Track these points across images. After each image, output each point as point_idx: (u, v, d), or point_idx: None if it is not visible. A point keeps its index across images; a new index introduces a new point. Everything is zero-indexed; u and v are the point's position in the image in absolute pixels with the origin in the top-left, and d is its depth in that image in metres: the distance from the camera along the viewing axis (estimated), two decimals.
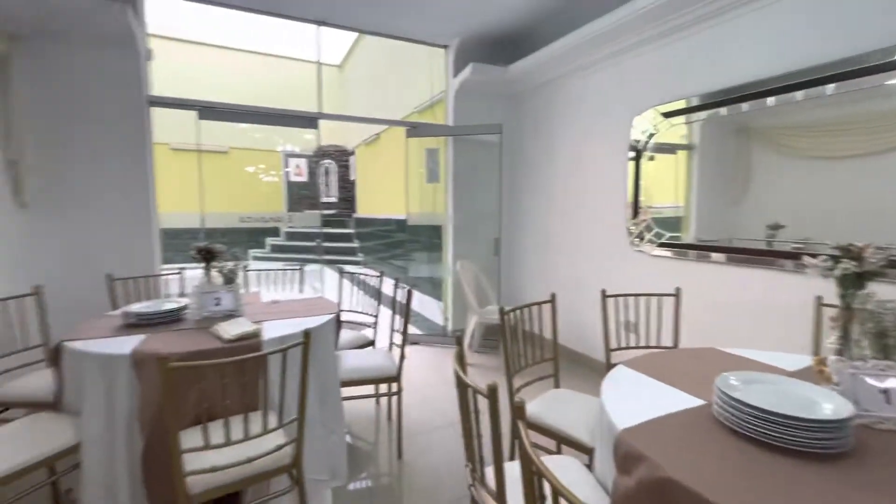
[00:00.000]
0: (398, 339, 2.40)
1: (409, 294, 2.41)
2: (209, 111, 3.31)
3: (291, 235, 11.76)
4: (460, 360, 1.28)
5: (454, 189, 4.17)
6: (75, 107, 2.78)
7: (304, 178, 12.15)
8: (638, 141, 3.02)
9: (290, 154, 11.93)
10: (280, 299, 2.54)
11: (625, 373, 1.43)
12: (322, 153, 11.94)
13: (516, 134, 4.18)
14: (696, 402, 1.20)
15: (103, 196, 2.90)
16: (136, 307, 2.05)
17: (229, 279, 2.20)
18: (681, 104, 2.75)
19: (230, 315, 2.12)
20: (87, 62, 2.78)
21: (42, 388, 1.93)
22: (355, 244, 11.27)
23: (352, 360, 2.35)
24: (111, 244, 2.92)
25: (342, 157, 12.62)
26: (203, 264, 2.19)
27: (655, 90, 2.87)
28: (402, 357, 2.33)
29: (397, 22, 3.70)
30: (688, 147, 2.79)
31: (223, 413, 1.41)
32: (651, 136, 2.94)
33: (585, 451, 1.57)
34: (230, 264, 2.23)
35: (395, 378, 2.29)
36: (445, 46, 4.17)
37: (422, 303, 5.15)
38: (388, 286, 2.86)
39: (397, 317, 2.55)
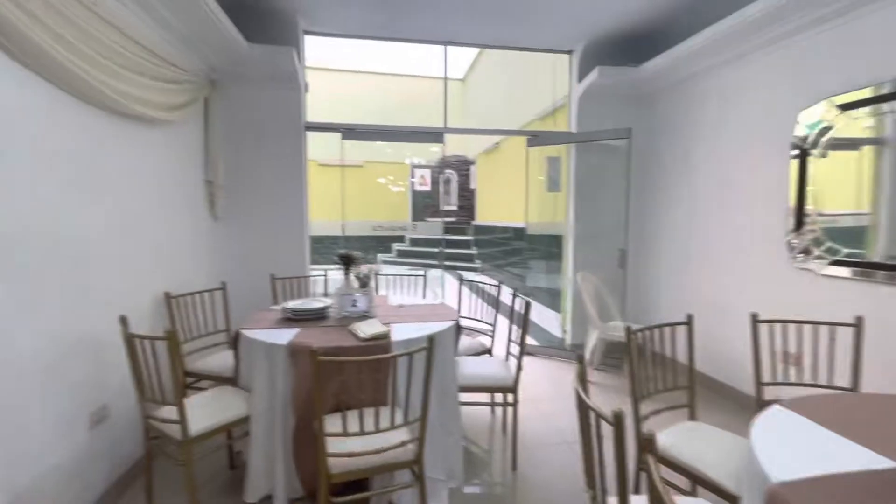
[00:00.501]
0: (515, 349, 2.40)
1: (528, 306, 2.39)
2: (351, 132, 3.74)
3: (415, 241, 12.54)
4: (582, 380, 1.24)
5: (576, 197, 4.02)
6: (251, 135, 3.39)
7: (427, 188, 12.87)
8: (804, 138, 2.56)
9: (416, 165, 12.76)
10: (405, 303, 2.73)
11: (783, 414, 1.23)
12: (444, 164, 12.52)
13: (647, 138, 3.87)
14: (885, 462, 0.98)
15: (269, 208, 3.46)
16: (292, 304, 2.41)
17: (364, 283, 2.45)
18: (865, 93, 2.26)
19: (364, 316, 2.36)
20: (260, 97, 3.36)
21: (225, 365, 2.38)
22: (473, 251, 11.53)
23: (469, 367, 2.42)
24: (273, 248, 3.47)
25: (463, 166, 13.05)
26: (343, 269, 2.48)
27: (832, 77, 2.41)
28: (519, 368, 2.33)
29: (521, 33, 3.73)
30: (878, 142, 2.28)
31: (357, 404, 1.58)
32: (825, 130, 2.47)
33: (726, 497, 1.39)
34: (365, 269, 2.48)
35: (511, 389, 2.29)
36: (569, 52, 4.07)
37: (539, 313, 5.06)
38: (506, 295, 2.89)
39: (514, 326, 2.55)
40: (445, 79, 4.00)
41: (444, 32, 3.70)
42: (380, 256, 12.44)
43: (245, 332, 2.04)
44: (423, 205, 12.80)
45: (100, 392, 1.92)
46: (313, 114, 3.72)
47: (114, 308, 1.97)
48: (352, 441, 1.54)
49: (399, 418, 1.62)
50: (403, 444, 1.59)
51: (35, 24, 1.44)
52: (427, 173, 12.84)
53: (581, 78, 3.89)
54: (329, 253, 2.46)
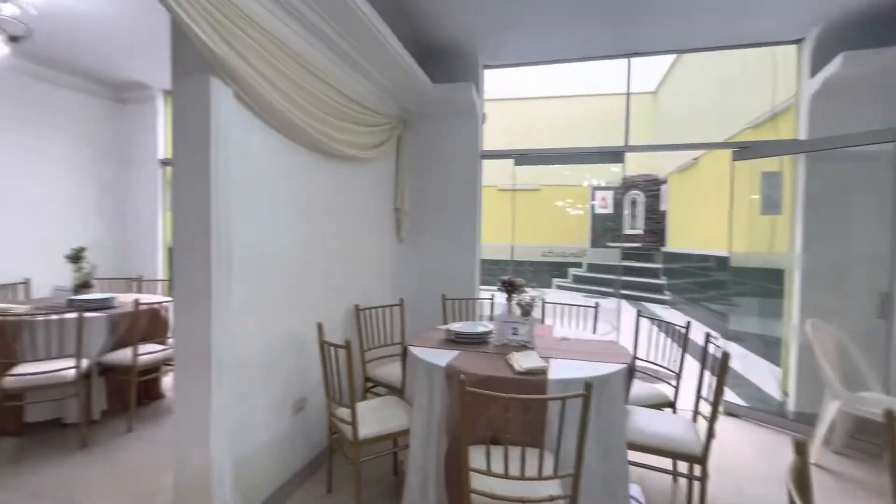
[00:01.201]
0: (706, 408, 1.95)
1: (726, 357, 1.93)
2: (523, 157, 3.75)
3: (594, 267, 11.81)
4: (800, 474, 0.90)
5: (805, 221, 3.14)
6: (433, 165, 3.71)
7: (608, 210, 12.04)
8: None
9: (597, 187, 12.11)
10: (570, 336, 2.53)
11: None
12: (629, 184, 11.53)
13: None
14: None
15: (445, 231, 3.71)
16: (455, 326, 2.48)
17: (526, 311, 2.37)
18: None
19: (524, 346, 2.27)
20: (442, 131, 3.66)
21: (397, 375, 2.60)
22: (662, 281, 10.22)
23: (643, 421, 2.07)
24: (447, 269, 3.69)
25: (652, 186, 11.80)
26: (506, 295, 2.45)
27: None
28: (711, 434, 1.88)
29: (727, 30, 3.17)
30: None
31: (508, 441, 1.49)
32: None
33: None
34: (528, 297, 2.40)
35: (699, 459, 1.86)
36: (798, 41, 3.26)
37: (747, 363, 4.09)
38: (698, 335, 2.40)
39: (709, 376, 2.09)
40: (628, 93, 3.68)
41: (626, 44, 3.42)
42: (555, 281, 12.11)
43: (411, 348, 2.18)
44: (604, 228, 11.99)
45: (301, 385, 2.31)
46: (490, 141, 3.87)
47: (314, 316, 2.35)
48: (496, 482, 1.46)
49: (549, 467, 1.47)
50: (552, 499, 1.42)
51: (274, 91, 1.87)
52: (609, 195, 12.04)
53: (815, 72, 3.07)
54: (497, 279, 2.52)
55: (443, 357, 2.04)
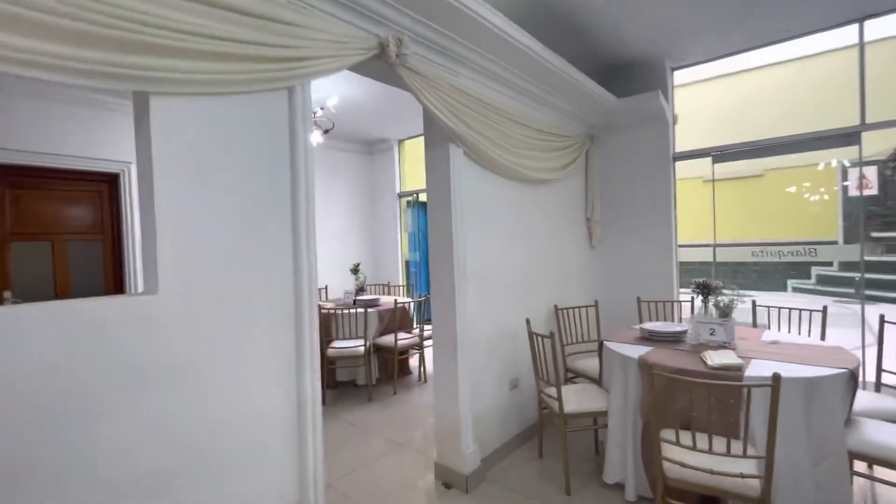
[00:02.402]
0: None
1: None
2: (722, 155, 3.58)
3: (847, 266, 9.40)
4: None
5: None
6: (622, 173, 3.88)
7: (873, 191, 9.36)
8: None
9: (852, 164, 9.57)
10: (781, 340, 2.43)
11: None
12: None
13: None
14: None
15: (638, 236, 3.84)
16: (650, 325, 2.69)
17: (724, 313, 2.42)
18: None
19: (722, 346, 2.34)
20: (630, 139, 3.82)
21: (593, 368, 2.95)
22: None
23: (879, 433, 1.91)
24: (641, 272, 3.80)
25: None
26: (702, 297, 2.53)
27: None
28: None
29: None
30: None
31: (705, 428, 1.71)
32: None
33: None
34: (727, 298, 2.44)
35: None
36: None
37: None
38: None
39: None
40: (861, 60, 3.10)
41: (855, 4, 2.94)
42: (791, 283, 10.06)
43: (607, 343, 2.52)
44: (869, 214, 9.38)
45: (515, 368, 2.90)
46: (690, 135, 3.80)
47: (523, 311, 2.92)
48: (688, 453, 1.71)
49: (741, 449, 1.63)
50: (743, 476, 1.59)
51: (487, 142, 2.51)
52: (872, 171, 9.36)
53: None
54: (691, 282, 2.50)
55: (636, 351, 2.32)
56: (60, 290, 3.69)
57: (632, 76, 3.79)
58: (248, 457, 1.52)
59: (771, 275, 10.33)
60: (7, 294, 3.40)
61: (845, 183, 9.94)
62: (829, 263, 9.99)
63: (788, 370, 1.92)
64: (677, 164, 3.75)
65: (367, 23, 1.88)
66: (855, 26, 3.07)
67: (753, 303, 3.14)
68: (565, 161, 3.37)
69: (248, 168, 1.55)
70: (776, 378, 1.54)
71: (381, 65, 1.96)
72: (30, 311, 1.11)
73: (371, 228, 6.04)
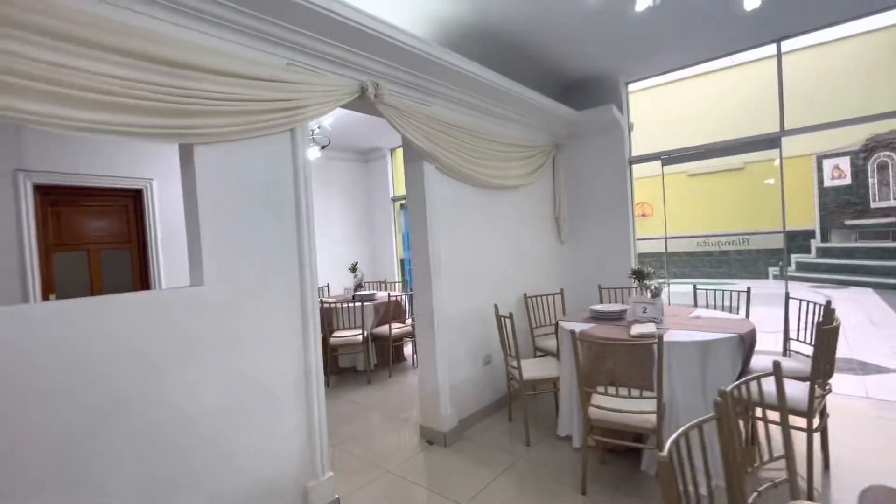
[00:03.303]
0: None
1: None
2: (671, 159, 4.08)
3: (825, 251, 9.87)
4: None
5: None
6: (586, 175, 4.39)
7: (846, 181, 9.83)
8: None
9: (824, 155, 10.03)
10: (703, 316, 2.94)
11: None
12: (874, 144, 9.19)
13: None
14: None
15: (600, 231, 4.34)
16: (597, 307, 3.20)
17: (654, 294, 2.93)
18: None
19: (651, 321, 2.85)
20: (591, 146, 4.32)
21: (555, 346, 3.46)
22: None
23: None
24: (604, 263, 4.31)
25: None
26: (637, 281, 3.04)
27: None
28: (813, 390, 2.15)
29: None
30: None
31: (625, 383, 2.22)
32: None
33: None
34: (656, 283, 2.95)
35: (805, 413, 2.17)
36: None
37: None
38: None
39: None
40: (780, 75, 3.59)
41: (774, 28, 3.43)
42: (771, 271, 10.53)
43: (561, 322, 3.03)
44: (838, 204, 9.83)
45: (486, 346, 3.42)
46: (642, 143, 4.31)
47: (493, 298, 3.43)
48: (606, 399, 2.22)
49: (645, 395, 2.15)
50: (642, 412, 2.11)
51: (456, 157, 3.03)
52: (845, 161, 9.83)
53: None
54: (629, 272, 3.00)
55: (580, 327, 2.83)
56: (95, 293, 4.23)
57: (590, 90, 4.29)
58: (271, 404, 2.04)
59: (753, 263, 10.80)
60: (52, 297, 3.94)
61: (819, 173, 10.41)
62: (808, 250, 10.45)
63: (690, 336, 2.43)
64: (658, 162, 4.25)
65: (351, 71, 2.40)
66: (772, 46, 3.56)
67: (694, 286, 3.64)
68: (531, 168, 3.88)
69: (262, 190, 2.07)
70: (658, 337, 2.05)
71: (362, 103, 2.48)
72: (114, 299, 1.63)
73: (368, 230, 6.56)
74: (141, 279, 4.48)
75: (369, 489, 2.47)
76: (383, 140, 5.88)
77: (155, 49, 1.63)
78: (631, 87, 4.31)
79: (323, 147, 4.44)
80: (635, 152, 4.30)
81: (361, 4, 2.27)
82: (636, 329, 2.58)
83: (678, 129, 4.27)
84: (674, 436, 1.11)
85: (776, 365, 1.55)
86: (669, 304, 3.44)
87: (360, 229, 6.48)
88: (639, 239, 4.44)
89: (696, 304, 3.60)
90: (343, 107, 2.43)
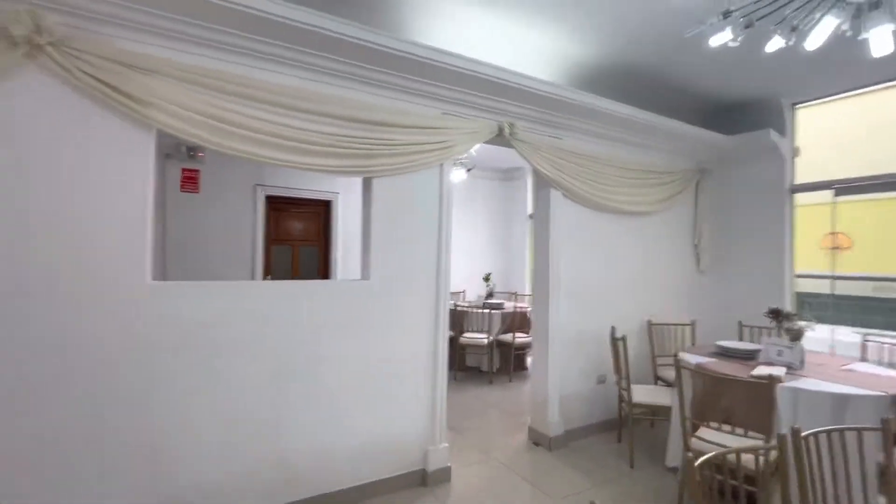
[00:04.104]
0: None
1: None
2: (845, 189, 3.57)
3: None
4: None
5: None
6: (736, 203, 4.10)
7: None
8: None
9: None
10: (859, 370, 2.60)
11: None
12: None
13: None
14: None
15: (748, 264, 4.01)
16: (726, 343, 3.06)
17: (794, 337, 2.71)
18: None
19: (787, 366, 2.65)
20: (742, 173, 4.03)
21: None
22: None
23: None
24: (749, 299, 3.96)
25: None
26: (775, 321, 2.84)
27: None
28: None
29: None
30: None
31: (742, 425, 2.21)
32: None
33: None
34: (798, 325, 2.72)
35: None
36: None
37: None
38: None
39: None
40: None
41: None
42: None
43: (681, 353, 3.01)
44: None
45: (601, 366, 3.53)
46: (809, 169, 3.84)
47: (612, 321, 3.53)
48: (712, 434, 2.23)
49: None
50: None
51: (582, 184, 3.27)
52: None
53: None
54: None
55: (701, 360, 2.79)
56: (294, 278, 5.57)
57: (746, 113, 4.01)
58: (406, 378, 2.62)
59: None
60: (268, 278, 5.35)
61: None
62: None
63: (825, 387, 2.25)
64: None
65: (490, 114, 2.89)
66: None
67: (863, 337, 3.16)
68: (666, 194, 3.84)
69: (414, 209, 2.68)
70: (770, 377, 2.01)
71: (500, 139, 2.94)
72: (310, 283, 2.38)
73: (505, 244, 7.03)
74: (323, 269, 5.73)
75: (476, 468, 2.88)
76: (522, 160, 6.29)
77: (351, 112, 2.35)
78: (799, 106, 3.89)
79: (469, 170, 5.07)
80: (800, 179, 3.86)
81: (502, 52, 2.74)
82: (761, 370, 2.47)
83: (855, 150, 3.72)
84: None
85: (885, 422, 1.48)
86: (829, 352, 3.07)
87: (498, 242, 6.99)
88: (800, 276, 3.96)
89: (862, 358, 3.13)
90: (483, 143, 2.93)
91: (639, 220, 3.78)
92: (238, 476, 2.15)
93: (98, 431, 1.87)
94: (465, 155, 4.88)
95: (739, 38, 1.93)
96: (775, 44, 2.01)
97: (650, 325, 3.78)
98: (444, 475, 2.70)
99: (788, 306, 3.81)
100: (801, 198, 3.91)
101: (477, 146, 2.97)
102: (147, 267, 1.97)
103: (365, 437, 2.49)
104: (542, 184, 3.30)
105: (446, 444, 2.75)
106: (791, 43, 1.96)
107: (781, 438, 1.37)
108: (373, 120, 2.41)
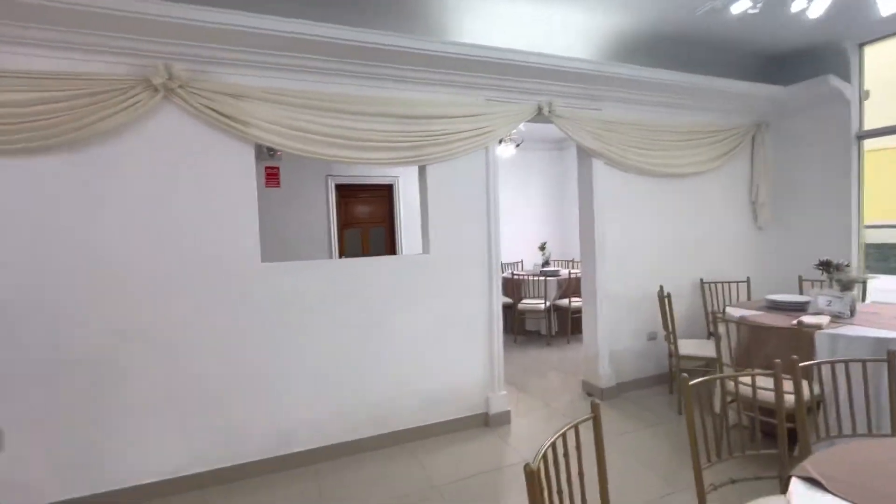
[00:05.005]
0: None
1: None
2: None
3: None
4: None
5: None
6: (797, 156, 3.98)
7: None
8: None
9: None
10: None
11: None
12: None
13: None
14: None
15: (812, 217, 3.90)
16: (774, 296, 3.13)
17: (844, 287, 2.74)
18: None
19: (837, 315, 2.71)
20: (804, 122, 3.88)
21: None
22: None
23: None
24: (813, 253, 3.87)
25: None
26: (826, 273, 2.87)
27: None
28: None
29: None
30: None
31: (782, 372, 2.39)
32: None
33: None
34: (846, 276, 2.75)
35: None
36: None
37: None
38: None
39: None
40: None
41: None
42: None
43: (728, 307, 3.14)
44: None
45: (653, 323, 3.72)
46: (881, 114, 3.63)
47: (661, 280, 3.68)
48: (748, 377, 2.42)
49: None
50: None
51: (622, 151, 3.41)
52: None
53: None
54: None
55: (747, 313, 2.92)
56: (365, 255, 6.19)
57: (805, 61, 3.83)
58: (466, 335, 3.04)
59: None
60: (344, 257, 6.01)
61: None
62: None
63: (869, 332, 2.33)
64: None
65: (529, 96, 3.12)
66: None
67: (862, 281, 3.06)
68: (716, 153, 3.84)
69: (464, 187, 3.03)
70: (799, 322, 2.16)
71: (539, 118, 3.17)
72: (379, 259, 2.84)
73: (561, 213, 7.16)
74: (390, 247, 6.30)
75: (533, 414, 3.27)
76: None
77: (403, 109, 2.73)
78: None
79: (517, 145, 5.28)
80: (870, 124, 3.66)
81: (538, 35, 2.96)
82: (806, 319, 2.58)
83: None
84: None
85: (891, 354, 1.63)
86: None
87: (554, 212, 7.14)
88: (872, 226, 3.80)
89: None
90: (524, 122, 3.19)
91: (688, 180, 3.83)
92: (330, 414, 2.72)
93: (232, 370, 2.49)
94: (514, 131, 5.10)
95: (759, 4, 2.02)
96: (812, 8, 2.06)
97: (702, 283, 3.87)
98: (504, 418, 3.12)
99: (855, 259, 3.70)
100: (873, 142, 3.72)
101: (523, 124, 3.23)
102: (258, 252, 2.53)
103: (433, 384, 2.96)
104: (584, 154, 3.49)
105: (504, 392, 3.16)
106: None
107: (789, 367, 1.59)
108: (422, 114, 2.77)
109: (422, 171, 2.97)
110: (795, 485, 1.08)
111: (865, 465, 1.12)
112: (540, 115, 3.14)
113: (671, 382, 3.58)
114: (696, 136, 3.72)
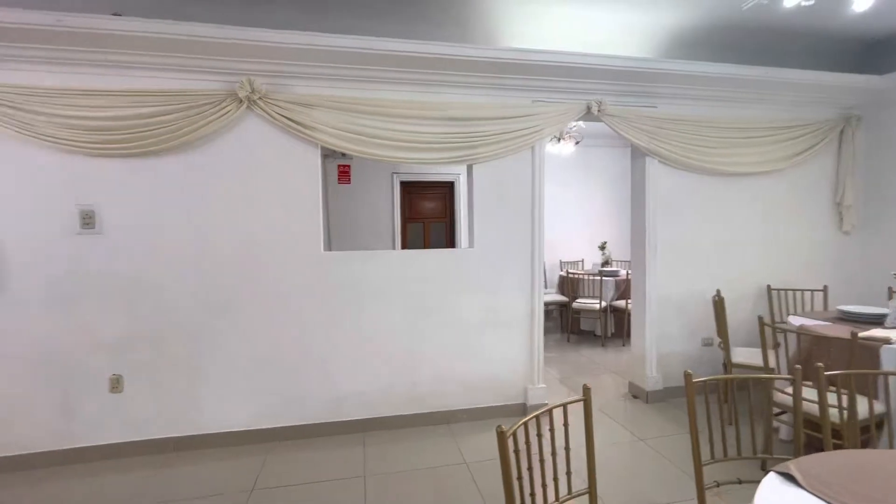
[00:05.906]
0: None
1: None
2: None
3: None
4: None
5: None
6: (887, 154, 3.55)
7: None
8: None
9: None
10: None
11: None
12: None
13: None
14: None
15: None
16: (847, 307, 2.87)
17: None
18: None
19: None
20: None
21: None
22: None
23: None
24: None
25: None
26: None
27: None
28: None
29: None
30: None
31: (843, 386, 2.26)
32: None
33: None
34: None
35: None
36: None
37: None
38: None
39: None
40: None
41: None
42: None
43: (791, 316, 2.95)
44: None
45: (706, 328, 3.56)
46: None
47: (719, 284, 3.52)
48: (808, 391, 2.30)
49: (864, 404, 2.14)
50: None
51: (678, 149, 3.31)
52: None
53: None
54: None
55: (807, 322, 2.73)
56: (425, 248, 6.51)
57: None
58: (508, 328, 3.18)
59: None
60: (406, 250, 6.37)
61: None
62: None
63: None
64: None
65: (579, 95, 3.16)
66: None
67: None
68: (792, 151, 3.56)
69: (510, 186, 3.15)
70: (853, 335, 2.02)
71: (589, 116, 3.20)
72: (435, 252, 3.07)
73: (622, 213, 6.92)
74: (449, 240, 6.55)
75: (570, 408, 3.32)
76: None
77: (453, 112, 2.93)
78: None
79: (577, 142, 5.24)
80: None
81: (593, 38, 2.99)
82: (872, 333, 2.38)
83: None
84: None
85: None
86: None
87: (615, 211, 6.93)
88: None
89: None
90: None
91: (754, 179, 3.60)
92: (378, 390, 3.01)
93: (300, 348, 2.88)
94: (574, 127, 5.08)
95: None
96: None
97: (769, 289, 3.63)
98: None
99: None
100: None
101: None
102: (321, 243, 2.89)
103: (474, 371, 3.15)
104: (637, 152, 3.44)
105: (543, 385, 3.25)
106: None
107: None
108: (472, 116, 2.95)
109: (469, 170, 3.15)
110: (770, 478, 1.12)
111: (853, 468, 1.12)
112: (589, 114, 3.16)
113: (725, 390, 3.42)
114: (767, 132, 3.49)
